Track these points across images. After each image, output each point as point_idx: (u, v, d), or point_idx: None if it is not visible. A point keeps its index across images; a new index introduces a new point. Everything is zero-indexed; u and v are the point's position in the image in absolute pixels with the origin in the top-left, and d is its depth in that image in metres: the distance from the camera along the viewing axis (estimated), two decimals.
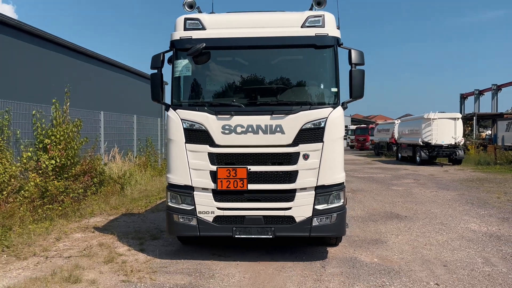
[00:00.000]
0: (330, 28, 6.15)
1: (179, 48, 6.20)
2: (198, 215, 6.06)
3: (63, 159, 10.21)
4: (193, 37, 6.13)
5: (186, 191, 6.11)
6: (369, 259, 6.41)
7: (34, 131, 10.23)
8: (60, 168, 10.23)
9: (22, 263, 6.16)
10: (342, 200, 6.15)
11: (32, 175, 9.43)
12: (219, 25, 6.21)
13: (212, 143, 6.00)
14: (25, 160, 9.28)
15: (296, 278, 5.56)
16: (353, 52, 6.32)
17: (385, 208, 10.67)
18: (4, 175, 8.57)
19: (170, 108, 6.21)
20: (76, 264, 6.03)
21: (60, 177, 10.18)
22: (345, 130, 66.66)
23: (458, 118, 25.25)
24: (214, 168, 5.98)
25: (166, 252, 6.75)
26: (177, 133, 6.10)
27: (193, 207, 6.07)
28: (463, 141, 25.75)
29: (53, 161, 9.86)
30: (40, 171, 9.64)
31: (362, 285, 5.35)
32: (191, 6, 6.41)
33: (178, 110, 6.14)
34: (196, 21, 6.20)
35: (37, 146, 10.23)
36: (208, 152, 6.01)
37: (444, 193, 13.33)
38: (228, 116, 5.98)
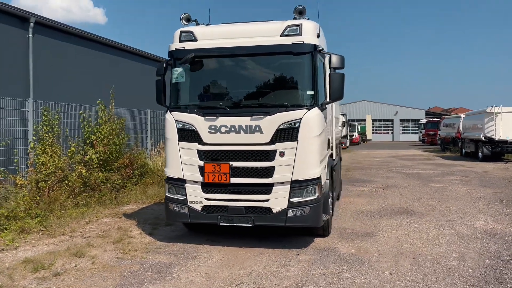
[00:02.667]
0: (308, 36, 6.69)
1: (174, 57, 7.08)
2: (189, 204, 6.92)
3: (106, 154, 11.59)
4: (185, 48, 6.99)
5: (179, 183, 6.99)
6: (346, 250, 6.89)
7: (81, 129, 11.69)
8: (104, 161, 11.62)
9: (50, 240, 7.41)
10: (317, 194, 6.69)
11: (79, 167, 10.85)
12: (209, 36, 7.00)
13: (201, 141, 6.82)
14: (70, 154, 10.70)
15: (265, 263, 6.22)
16: (332, 57, 6.84)
17: (403, 204, 10.87)
18: (52, 167, 10.02)
19: (167, 111, 7.12)
20: (89, 243, 7.15)
21: (104, 169, 11.57)
22: (417, 124, 64.89)
23: None
24: (202, 163, 6.80)
25: (170, 237, 7.70)
26: (171, 132, 7.00)
27: (185, 197, 6.94)
28: None
29: (97, 155, 11.24)
30: (84, 164, 11.04)
31: (320, 270, 5.89)
32: (187, 20, 7.25)
33: (173, 112, 7.04)
34: (190, 33, 7.04)
35: (85, 142, 11.68)
36: (197, 149, 6.83)
37: (480, 191, 13.10)
38: (214, 117, 6.76)
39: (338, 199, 11.34)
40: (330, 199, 7.71)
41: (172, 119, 6.99)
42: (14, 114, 10.04)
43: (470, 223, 8.76)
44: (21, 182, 9.36)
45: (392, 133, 73.88)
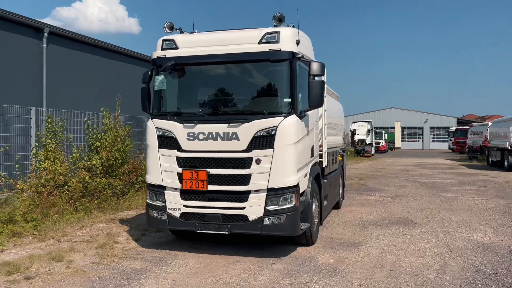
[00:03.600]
0: (286, 43, 6.66)
1: (156, 65, 7.18)
2: (168, 211, 6.96)
3: (111, 160, 11.82)
4: (166, 56, 7.08)
5: (159, 190, 7.04)
6: (325, 260, 6.76)
7: (86, 135, 11.97)
8: (107, 168, 11.85)
9: (37, 244, 7.58)
10: (293, 202, 6.61)
11: (82, 172, 11.09)
12: (190, 44, 7.07)
13: (179, 149, 6.86)
14: (71, 160, 10.96)
15: (237, 271, 6.17)
16: (312, 64, 6.80)
17: (405, 214, 10.59)
18: (53, 172, 10.28)
19: (150, 118, 7.21)
20: (73, 247, 7.29)
21: (108, 175, 11.79)
22: (447, 132, 63.14)
23: None
24: (180, 170, 6.84)
25: (155, 243, 7.76)
26: (152, 139, 7.08)
27: (164, 204, 6.98)
28: None
29: (99, 161, 11.47)
30: (88, 170, 11.28)
31: (289, 280, 5.80)
32: (171, 28, 7.33)
33: (154, 119, 7.12)
34: (171, 42, 7.13)
35: (89, 148, 11.94)
36: (176, 156, 6.88)
37: (492, 202, 12.65)
38: (192, 124, 6.80)
39: (338, 207, 11.18)
40: (314, 208, 7.59)
41: (153, 126, 7.07)
42: (17, 121, 10.37)
43: (467, 235, 8.46)
44: (21, 187, 9.65)
45: (422, 141, 72.34)
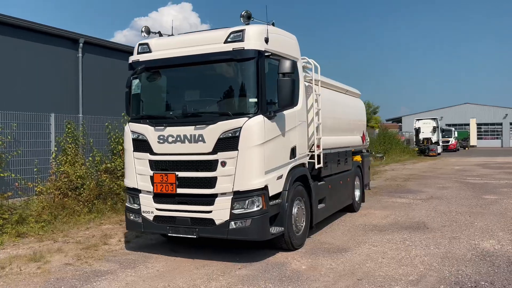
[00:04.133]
0: (251, 42, 6.44)
1: (133, 69, 7.25)
2: (142, 214, 7.00)
3: None
4: (140, 60, 7.13)
5: (135, 193, 7.11)
6: (296, 266, 6.44)
7: (108, 139, 12.42)
8: None
9: (34, 245, 7.95)
10: (260, 206, 6.37)
11: (104, 175, 11.52)
12: (162, 47, 7.06)
13: (151, 152, 6.88)
14: (88, 164, 11.40)
15: (197, 276, 6.05)
16: (281, 62, 6.55)
17: (423, 219, 9.86)
18: (72, 175, 10.76)
19: (127, 122, 7.31)
20: (60, 248, 7.56)
21: None
22: None
23: None
24: (152, 173, 6.86)
25: (141, 245, 7.84)
26: (128, 143, 7.16)
27: (139, 207, 7.03)
28: None
29: (121, 164, 11.84)
30: (110, 172, 11.68)
31: (242, 287, 5.58)
32: (148, 32, 7.37)
33: (130, 123, 7.20)
34: (145, 45, 7.18)
35: (112, 152, 12.37)
36: (149, 159, 6.90)
37: None
38: (162, 127, 6.79)
39: (353, 210, 10.67)
40: (297, 211, 7.26)
41: (128, 130, 7.16)
42: (38, 127, 10.99)
43: (477, 242, 7.68)
44: (39, 189, 10.21)
45: (502, 138, 67.20)
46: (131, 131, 7.11)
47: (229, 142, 6.36)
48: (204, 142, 6.48)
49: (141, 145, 6.99)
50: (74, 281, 5.90)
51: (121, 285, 5.76)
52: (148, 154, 6.90)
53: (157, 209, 6.87)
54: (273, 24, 7.37)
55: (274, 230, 6.68)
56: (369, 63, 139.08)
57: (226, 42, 6.52)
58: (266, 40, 6.62)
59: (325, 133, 8.79)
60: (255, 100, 6.44)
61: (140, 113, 7.28)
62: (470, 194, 13.73)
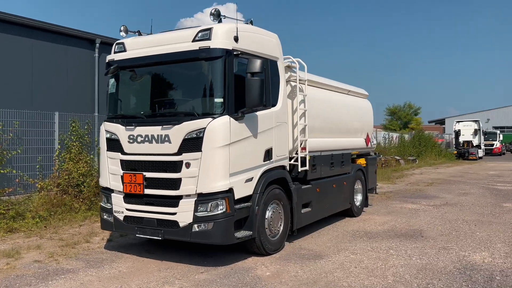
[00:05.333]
0: (218, 40, 6.28)
1: (108, 68, 7.26)
2: (114, 213, 6.98)
3: None
4: (115, 59, 7.13)
5: (108, 193, 7.10)
6: (260, 272, 6.21)
7: None
8: None
9: (21, 240, 8.12)
10: (223, 209, 6.20)
11: None
12: (135, 46, 7.02)
13: (122, 151, 6.84)
14: (91, 162, 11.58)
15: (155, 278, 5.95)
16: (250, 61, 6.35)
17: (422, 226, 9.34)
18: (74, 173, 10.96)
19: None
20: (40, 244, 7.67)
21: None
22: None
23: None
24: (122, 173, 6.82)
25: (121, 244, 7.83)
26: (102, 142, 7.17)
27: (111, 206, 7.02)
28: None
29: None
30: None
31: None
32: (126, 31, 7.36)
33: (105, 122, 7.21)
34: (121, 45, 7.17)
35: None
36: (120, 159, 6.88)
37: None
38: (132, 127, 6.74)
39: (353, 215, 10.28)
40: (270, 215, 7.02)
41: (103, 129, 7.16)
42: (43, 126, 11.27)
43: (467, 253, 7.17)
44: (40, 185, 10.46)
45: None
46: (105, 130, 7.11)
47: (193, 143, 6.22)
48: (170, 142, 6.38)
49: (113, 144, 6.97)
50: (31, 279, 5.94)
51: (76, 284, 5.74)
52: (120, 153, 6.87)
53: (127, 209, 6.83)
54: (251, 23, 7.19)
55: (241, 234, 6.48)
56: (415, 61, 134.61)
57: (194, 40, 6.39)
58: (236, 39, 6.43)
59: (314, 134, 8.50)
60: (221, 100, 6.27)
61: (114, 113, 7.27)
62: (489, 202, 12.94)
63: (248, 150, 6.60)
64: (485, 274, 6.08)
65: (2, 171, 9.89)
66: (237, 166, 6.39)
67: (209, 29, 6.34)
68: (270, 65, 7.19)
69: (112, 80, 7.25)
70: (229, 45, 6.33)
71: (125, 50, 7.08)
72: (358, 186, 10.66)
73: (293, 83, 8.02)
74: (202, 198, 6.22)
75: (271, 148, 7.10)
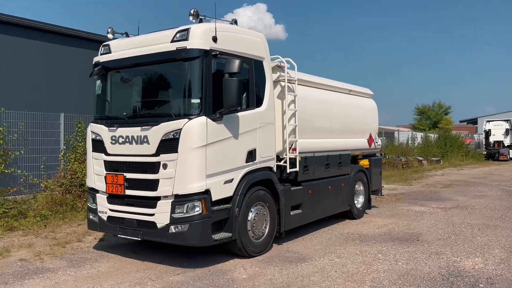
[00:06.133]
0: (195, 41, 6.25)
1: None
2: (98, 213, 7.05)
3: None
4: (100, 61, 7.20)
5: (93, 193, 7.18)
6: (237, 275, 6.14)
7: None
8: None
9: (16, 238, 8.29)
10: (199, 210, 6.16)
11: None
12: (119, 48, 7.07)
13: (106, 152, 6.90)
14: None
15: (129, 278, 5.96)
16: (227, 61, 6.30)
17: (421, 229, 9.05)
18: (78, 173, 11.16)
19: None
20: (32, 243, 7.83)
21: None
22: None
23: None
24: (105, 173, 6.89)
25: (109, 245, 7.88)
26: (88, 143, 7.26)
27: (96, 207, 7.10)
28: None
29: None
30: None
31: None
32: (113, 33, 7.41)
33: (91, 123, 7.29)
34: (107, 47, 7.23)
35: None
36: (104, 160, 6.94)
37: None
38: (114, 128, 6.79)
39: (353, 217, 10.07)
40: (253, 217, 6.94)
41: (89, 130, 7.25)
42: (48, 127, 11.52)
43: (459, 259, 6.89)
44: (44, 185, 10.70)
45: None
46: (91, 131, 7.19)
47: (170, 144, 6.21)
48: (148, 143, 6.39)
49: (98, 145, 7.04)
50: (10, 277, 6.05)
51: (50, 284, 5.82)
52: (103, 154, 6.93)
53: (110, 209, 6.89)
54: (235, 22, 7.13)
55: (219, 236, 6.43)
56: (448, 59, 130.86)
57: (172, 41, 6.38)
58: (214, 39, 6.38)
59: (308, 135, 8.37)
60: (198, 101, 6.23)
61: (100, 114, 7.35)
62: (504, 205, 12.44)
63: (227, 151, 6.54)
64: (469, 281, 5.82)
65: (6, 171, 10.15)
66: (215, 167, 6.33)
67: (187, 30, 6.32)
68: (254, 65, 7.11)
69: (98, 82, 7.33)
70: (206, 45, 6.28)
71: (110, 52, 7.14)
72: (360, 187, 10.43)
73: (283, 83, 7.91)
74: (179, 200, 6.20)
75: (255, 149, 7.01)
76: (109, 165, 6.87)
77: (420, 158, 27.22)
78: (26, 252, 7.34)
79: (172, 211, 6.22)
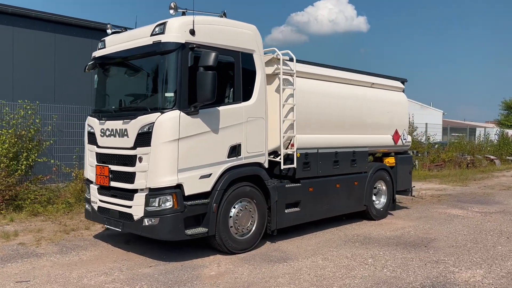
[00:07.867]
0: (171, 34, 6.22)
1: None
2: (91, 203, 7.30)
3: None
4: (95, 56, 7.43)
5: (88, 184, 7.45)
6: (206, 272, 6.03)
7: None
8: None
9: (33, 223, 8.82)
10: (170, 204, 6.15)
11: None
12: (112, 43, 7.23)
13: (97, 144, 7.13)
14: None
15: (99, 268, 6.09)
16: (202, 54, 6.22)
17: (440, 235, 8.32)
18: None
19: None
20: (42, 228, 8.31)
21: None
22: None
23: None
24: (95, 165, 7.11)
25: (108, 234, 7.97)
26: (85, 135, 7.53)
27: (90, 197, 7.36)
28: None
29: None
30: None
31: (115, 285, 5.49)
32: (111, 28, 7.61)
33: (88, 116, 7.55)
34: (103, 42, 7.44)
35: None
36: (95, 152, 7.17)
37: None
38: (103, 121, 6.98)
39: (371, 218, 9.53)
40: (236, 212, 6.80)
41: (86, 123, 7.52)
42: (80, 119, 12.00)
43: (458, 269, 6.23)
44: (75, 174, 11.32)
45: None
46: (87, 124, 7.45)
47: (144, 138, 6.25)
48: (127, 136, 6.49)
49: (91, 138, 7.28)
50: None
51: (27, 268, 6.12)
52: (95, 146, 7.16)
53: (100, 200, 7.10)
54: (224, 15, 7.00)
55: (192, 231, 6.37)
56: None
57: (151, 35, 6.40)
58: (192, 32, 6.30)
59: (310, 130, 8.06)
60: (172, 94, 6.20)
61: (96, 107, 7.58)
62: None
63: (204, 146, 6.44)
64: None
65: (39, 160, 10.85)
66: (189, 162, 6.27)
67: (164, 23, 6.30)
68: (242, 58, 6.93)
69: (95, 76, 7.57)
70: (182, 38, 6.21)
71: (105, 47, 7.34)
72: (381, 187, 9.84)
73: (283, 76, 7.65)
74: (152, 193, 6.23)
75: (239, 144, 6.84)
76: (99, 157, 7.09)
77: (492, 157, 25.08)
78: (31, 236, 7.79)
79: (146, 204, 6.27)
